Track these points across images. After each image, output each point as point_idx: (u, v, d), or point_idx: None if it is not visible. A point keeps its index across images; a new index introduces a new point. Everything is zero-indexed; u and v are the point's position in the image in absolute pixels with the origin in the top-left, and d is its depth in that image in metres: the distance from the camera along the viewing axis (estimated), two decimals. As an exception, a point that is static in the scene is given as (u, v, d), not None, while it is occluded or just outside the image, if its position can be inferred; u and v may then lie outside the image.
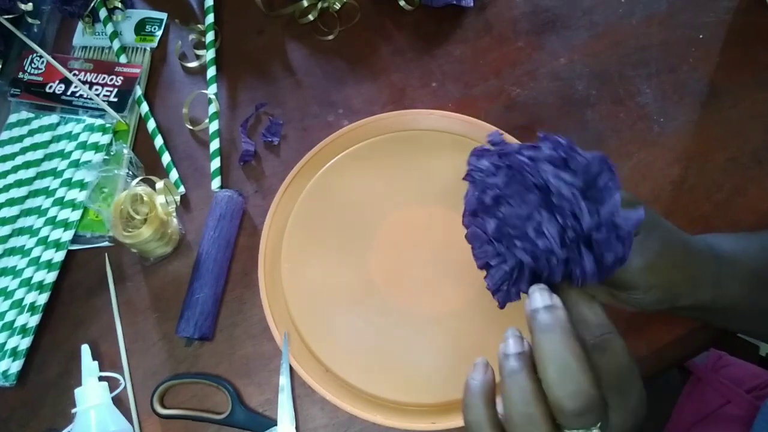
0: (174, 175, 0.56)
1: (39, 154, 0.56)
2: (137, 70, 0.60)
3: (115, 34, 0.62)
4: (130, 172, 0.55)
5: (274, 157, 0.58)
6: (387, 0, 0.64)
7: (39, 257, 0.52)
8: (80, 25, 0.63)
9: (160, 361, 0.50)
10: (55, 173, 0.56)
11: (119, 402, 0.48)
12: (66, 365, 0.51)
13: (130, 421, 0.48)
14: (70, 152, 0.56)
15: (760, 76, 0.59)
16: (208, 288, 0.50)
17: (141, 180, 0.52)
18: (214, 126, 0.58)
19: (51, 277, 0.52)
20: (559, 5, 0.63)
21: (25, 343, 0.50)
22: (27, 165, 0.56)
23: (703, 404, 0.62)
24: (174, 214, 0.52)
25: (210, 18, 0.63)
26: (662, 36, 0.61)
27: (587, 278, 0.31)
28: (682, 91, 0.58)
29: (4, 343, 0.49)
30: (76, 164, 0.56)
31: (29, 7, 0.60)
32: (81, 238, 0.54)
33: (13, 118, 0.59)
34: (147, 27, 0.64)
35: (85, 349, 0.48)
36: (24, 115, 0.58)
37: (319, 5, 0.64)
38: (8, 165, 0.56)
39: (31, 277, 0.51)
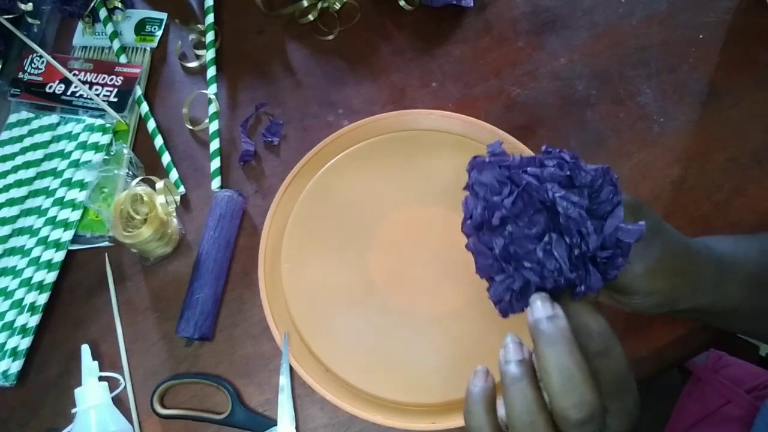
0: (174, 175, 0.56)
1: (39, 154, 0.57)
2: (137, 70, 0.60)
3: (115, 34, 0.62)
4: (130, 172, 0.55)
5: (274, 157, 0.58)
6: (387, 0, 0.64)
7: (39, 257, 0.52)
8: (80, 25, 0.64)
9: (160, 361, 0.50)
10: (55, 173, 0.56)
11: (119, 402, 0.48)
12: (66, 365, 0.51)
13: (130, 421, 0.48)
14: (70, 152, 0.56)
15: (760, 76, 0.59)
16: (208, 288, 0.50)
17: (141, 180, 0.52)
18: (214, 126, 0.58)
19: (51, 277, 0.52)
20: (559, 5, 0.63)
21: (25, 343, 0.50)
22: (27, 165, 0.56)
23: (703, 404, 0.62)
24: (174, 214, 0.52)
25: (210, 18, 0.63)
26: (662, 36, 0.61)
27: (592, 292, 0.31)
28: (682, 91, 0.58)
29: (4, 343, 0.49)
30: (76, 164, 0.56)
31: (29, 7, 0.60)
32: (81, 238, 0.54)
33: (13, 118, 0.59)
34: (147, 27, 0.64)
35: (85, 349, 0.48)
36: (24, 115, 0.58)
37: (319, 5, 0.64)
38: (8, 165, 0.56)
39: (31, 277, 0.51)
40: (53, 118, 0.58)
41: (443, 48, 0.62)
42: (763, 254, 0.42)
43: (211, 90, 0.60)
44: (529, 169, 0.31)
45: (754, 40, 0.60)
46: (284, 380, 0.48)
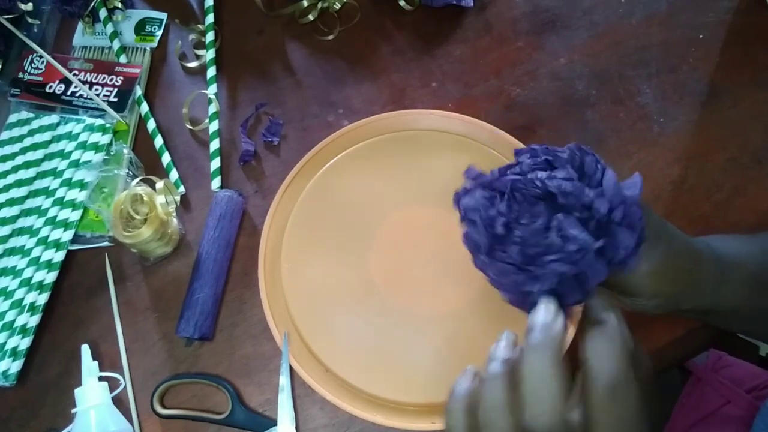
0: (174, 175, 0.56)
1: (39, 154, 0.57)
2: (137, 70, 0.60)
3: (115, 34, 0.62)
4: (130, 172, 0.55)
5: (274, 157, 0.58)
6: (387, 0, 0.64)
7: (39, 257, 0.52)
8: (80, 25, 0.64)
9: (160, 361, 0.50)
10: (55, 173, 0.56)
11: (119, 402, 0.48)
12: (66, 365, 0.51)
13: (130, 421, 0.48)
14: (70, 152, 0.56)
15: (760, 76, 0.59)
16: (208, 288, 0.50)
17: (141, 180, 0.52)
18: (214, 126, 0.58)
19: (51, 277, 0.52)
20: (559, 5, 0.63)
21: (25, 343, 0.50)
22: (27, 165, 0.56)
23: (703, 404, 0.62)
24: (174, 214, 0.52)
25: (210, 18, 0.63)
26: (662, 36, 0.61)
27: (630, 255, 0.30)
28: (682, 91, 0.58)
29: (4, 343, 0.49)
30: (76, 164, 0.56)
31: (29, 7, 0.60)
32: (81, 238, 0.54)
33: (13, 118, 0.59)
34: (147, 27, 0.64)
35: (85, 349, 0.48)
36: (24, 115, 0.58)
37: (319, 5, 0.64)
38: (8, 165, 0.56)
39: (31, 277, 0.51)
40: (53, 118, 0.58)
41: (443, 48, 0.62)
42: (763, 254, 0.42)
43: (211, 90, 0.60)
44: (508, 172, 0.32)
45: (754, 40, 0.60)
46: (284, 380, 0.48)
